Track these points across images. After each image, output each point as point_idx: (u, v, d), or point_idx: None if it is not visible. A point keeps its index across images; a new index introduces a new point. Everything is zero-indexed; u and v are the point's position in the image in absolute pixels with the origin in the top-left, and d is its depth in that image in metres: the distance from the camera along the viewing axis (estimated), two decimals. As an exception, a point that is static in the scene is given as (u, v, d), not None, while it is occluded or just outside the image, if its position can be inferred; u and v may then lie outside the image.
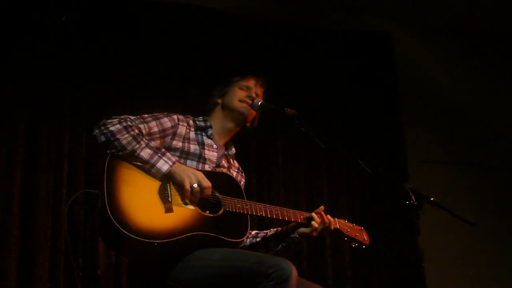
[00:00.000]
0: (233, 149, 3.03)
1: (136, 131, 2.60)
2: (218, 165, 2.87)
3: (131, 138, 2.54)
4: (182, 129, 2.81)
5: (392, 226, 4.67)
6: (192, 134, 2.85)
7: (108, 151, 2.55)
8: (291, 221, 2.82)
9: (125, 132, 2.55)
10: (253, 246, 2.90)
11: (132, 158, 2.54)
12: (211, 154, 2.85)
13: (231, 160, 3.02)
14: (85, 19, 4.02)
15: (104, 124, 2.57)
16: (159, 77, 4.21)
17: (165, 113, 2.81)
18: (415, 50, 5.28)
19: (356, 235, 2.94)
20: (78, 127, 3.87)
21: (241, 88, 3.00)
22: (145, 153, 2.54)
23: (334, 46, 4.96)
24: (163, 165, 2.55)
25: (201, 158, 2.80)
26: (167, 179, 2.56)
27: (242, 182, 2.99)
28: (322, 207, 2.87)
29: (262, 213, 2.71)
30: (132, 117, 2.68)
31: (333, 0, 4.93)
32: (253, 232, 2.96)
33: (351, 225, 2.96)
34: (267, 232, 2.94)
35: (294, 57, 4.76)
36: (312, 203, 4.37)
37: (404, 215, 4.49)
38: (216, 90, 3.09)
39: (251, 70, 3.19)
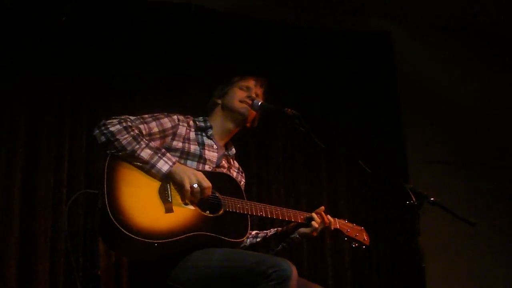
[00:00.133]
0: (233, 149, 3.03)
1: (136, 131, 2.60)
2: (218, 165, 2.87)
3: (131, 138, 2.54)
4: (182, 130, 2.81)
5: (392, 226, 4.66)
6: (192, 135, 2.85)
7: (108, 152, 2.55)
8: (291, 221, 2.83)
9: (125, 132, 2.55)
10: (254, 246, 2.90)
11: (132, 158, 2.54)
12: (211, 155, 2.85)
13: (231, 160, 3.02)
14: (85, 19, 4.02)
15: (104, 125, 2.57)
16: (159, 77, 4.20)
17: (165, 113, 2.81)
18: (414, 50, 5.27)
19: (356, 235, 2.95)
20: (78, 127, 3.87)
21: (241, 89, 3.00)
22: (145, 153, 2.54)
23: (333, 46, 4.95)
24: (163, 165, 2.54)
25: (201, 159, 2.79)
26: (167, 179, 2.56)
27: (242, 182, 2.99)
28: (322, 207, 2.88)
29: (262, 213, 2.71)
30: (132, 118, 2.68)
31: (333, 0, 4.93)
32: (253, 232, 2.96)
33: (351, 225, 2.97)
34: (267, 232, 2.94)
35: (294, 57, 4.76)
36: (312, 203, 4.36)
37: (404, 215, 4.49)
38: (216, 90, 3.09)
39: (251, 70, 3.19)
